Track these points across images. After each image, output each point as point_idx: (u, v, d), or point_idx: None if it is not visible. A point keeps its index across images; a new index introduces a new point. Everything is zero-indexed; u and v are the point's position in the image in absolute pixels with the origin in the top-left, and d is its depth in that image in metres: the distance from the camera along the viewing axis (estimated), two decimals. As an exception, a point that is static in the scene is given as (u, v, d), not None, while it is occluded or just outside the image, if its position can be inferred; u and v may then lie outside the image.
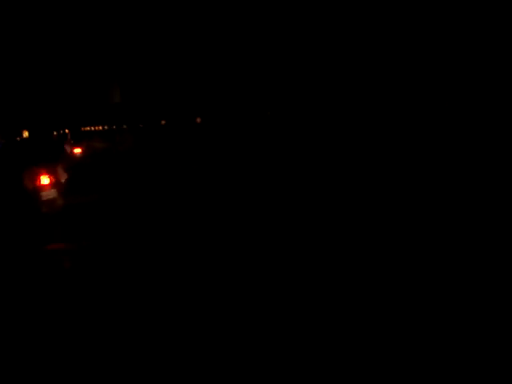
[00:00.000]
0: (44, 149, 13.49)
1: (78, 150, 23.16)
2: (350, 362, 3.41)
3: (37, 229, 8.65)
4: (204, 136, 29.82)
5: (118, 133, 34.01)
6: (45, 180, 9.68)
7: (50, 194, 9.70)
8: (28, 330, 4.30)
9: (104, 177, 15.78)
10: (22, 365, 3.69)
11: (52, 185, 9.85)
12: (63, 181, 10.62)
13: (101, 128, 41.06)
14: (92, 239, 7.60)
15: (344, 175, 12.22)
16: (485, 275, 4.87)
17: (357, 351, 3.54)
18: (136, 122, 32.67)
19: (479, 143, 15.70)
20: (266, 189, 11.04)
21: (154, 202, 10.61)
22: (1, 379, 3.50)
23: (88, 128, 43.21)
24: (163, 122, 32.20)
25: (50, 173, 9.99)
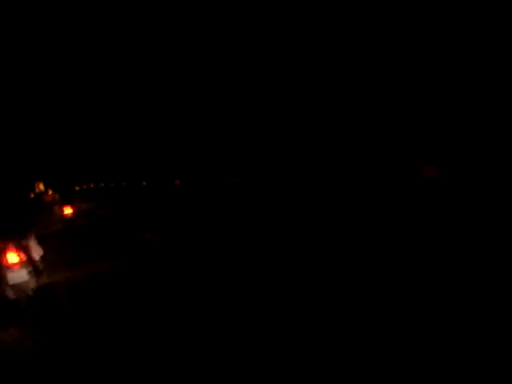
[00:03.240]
0: (12, 216, 11.38)
1: (68, 211, 21.33)
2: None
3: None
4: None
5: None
6: (13, 258, 7.65)
7: (19, 275, 7.66)
8: None
9: (97, 242, 13.72)
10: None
11: (22, 264, 7.81)
12: (38, 257, 8.56)
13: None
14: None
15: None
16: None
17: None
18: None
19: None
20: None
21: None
22: None
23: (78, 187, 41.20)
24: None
25: (20, 248, 7.97)
